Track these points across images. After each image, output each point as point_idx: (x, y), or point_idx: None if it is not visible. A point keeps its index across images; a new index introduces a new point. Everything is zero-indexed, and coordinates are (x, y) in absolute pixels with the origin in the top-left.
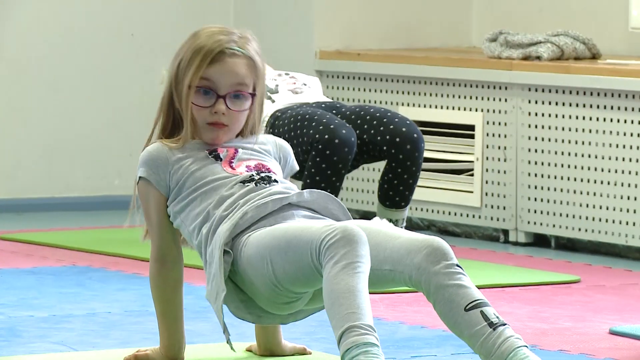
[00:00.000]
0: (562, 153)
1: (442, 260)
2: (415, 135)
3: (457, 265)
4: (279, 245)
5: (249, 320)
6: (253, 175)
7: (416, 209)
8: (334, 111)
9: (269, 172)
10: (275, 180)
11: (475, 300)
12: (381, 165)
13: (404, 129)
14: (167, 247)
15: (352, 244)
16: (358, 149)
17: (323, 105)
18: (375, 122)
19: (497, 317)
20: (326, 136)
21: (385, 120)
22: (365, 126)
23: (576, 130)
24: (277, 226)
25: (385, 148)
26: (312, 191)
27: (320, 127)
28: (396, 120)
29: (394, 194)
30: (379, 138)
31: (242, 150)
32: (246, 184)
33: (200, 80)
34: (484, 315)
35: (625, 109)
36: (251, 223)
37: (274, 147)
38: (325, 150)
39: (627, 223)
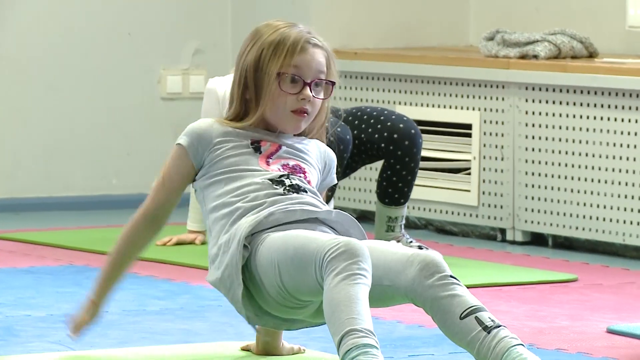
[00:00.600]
0: (560, 152)
1: (435, 273)
2: (412, 131)
3: (451, 276)
4: (287, 252)
5: (243, 316)
6: (283, 178)
7: (413, 208)
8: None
9: (304, 175)
10: (305, 190)
11: (470, 307)
12: (379, 164)
13: (401, 125)
14: (165, 210)
15: (354, 257)
16: (356, 149)
17: None
18: (372, 120)
19: (492, 321)
20: None
21: (382, 118)
22: (363, 126)
23: (573, 129)
24: (291, 232)
25: (383, 145)
26: (340, 212)
27: None
28: (393, 117)
29: (393, 191)
30: (376, 136)
31: (285, 147)
32: (274, 186)
33: (289, 68)
34: (478, 320)
35: (623, 107)
36: (274, 225)
37: (320, 153)
38: None
39: (624, 222)
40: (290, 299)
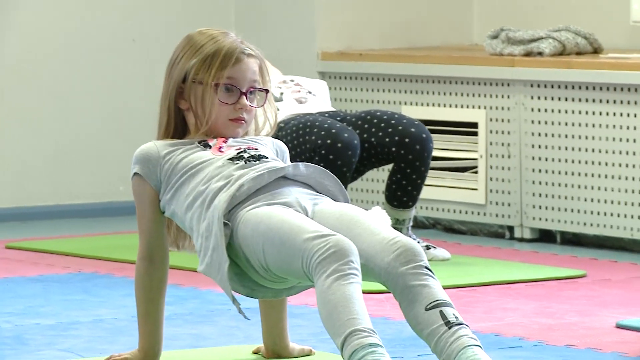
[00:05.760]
0: (566, 148)
1: (411, 262)
2: (424, 135)
3: (426, 267)
4: (273, 240)
5: (241, 292)
6: (242, 153)
7: (421, 207)
8: (338, 118)
9: (259, 152)
10: (265, 157)
11: (437, 301)
12: (387, 165)
13: (412, 129)
14: (156, 245)
15: (344, 257)
16: (366, 153)
17: (326, 114)
18: (382, 124)
19: (456, 318)
20: (328, 141)
21: (392, 122)
22: (373, 130)
23: (579, 125)
24: (274, 214)
25: (394, 149)
26: (309, 165)
27: (322, 133)
28: (404, 121)
29: (402, 194)
30: (387, 140)
31: (233, 139)
32: (235, 162)
33: (225, 79)
34: (442, 314)
35: (628, 102)
36: (248, 195)
37: (270, 141)
38: (328, 155)
39: (632, 217)
40: (277, 278)
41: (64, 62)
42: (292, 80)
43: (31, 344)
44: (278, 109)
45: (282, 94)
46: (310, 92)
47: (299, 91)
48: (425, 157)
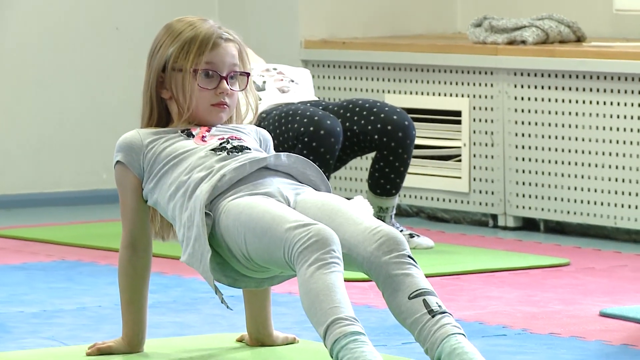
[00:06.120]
0: (549, 136)
1: (393, 251)
2: (406, 122)
3: (409, 257)
4: (255, 230)
5: (224, 282)
6: (224, 144)
7: (405, 195)
8: (320, 108)
9: (242, 141)
10: (248, 148)
11: (420, 289)
12: (370, 153)
13: (395, 117)
14: (139, 233)
15: (326, 246)
16: (348, 141)
17: (308, 103)
18: (365, 112)
19: (439, 306)
20: (311, 128)
21: (375, 110)
22: (355, 118)
23: (562, 114)
24: (255, 204)
25: (376, 137)
26: (290, 155)
27: (305, 120)
28: (386, 109)
29: (385, 181)
30: (369, 127)
31: (217, 128)
32: (218, 153)
33: (203, 64)
34: (425, 303)
35: (611, 91)
36: (229, 185)
37: (254, 130)
38: (311, 142)
39: (615, 205)
40: (258, 267)
41: (47, 51)
42: (275, 69)
43: (15, 332)
44: (260, 99)
45: (264, 82)
46: (293, 81)
47: (282, 80)
48: (408, 144)
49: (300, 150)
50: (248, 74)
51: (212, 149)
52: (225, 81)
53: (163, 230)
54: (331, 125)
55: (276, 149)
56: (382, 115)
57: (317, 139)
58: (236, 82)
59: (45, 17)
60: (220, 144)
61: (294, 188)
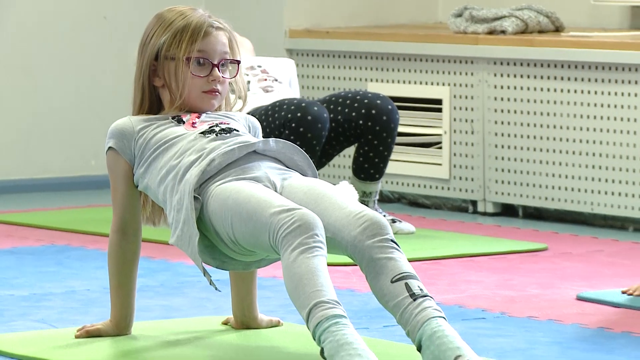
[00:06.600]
0: (528, 124)
1: (377, 235)
2: (390, 107)
3: (392, 241)
4: (241, 214)
5: (212, 265)
6: (213, 127)
7: (387, 182)
8: None
9: (231, 126)
10: (237, 130)
11: (402, 273)
12: (355, 143)
13: (378, 102)
14: (130, 218)
15: (309, 230)
16: (334, 132)
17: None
18: (348, 101)
19: (421, 290)
20: (298, 114)
21: (358, 97)
22: (339, 108)
23: (541, 102)
24: (242, 188)
25: (361, 122)
26: (278, 140)
27: (292, 107)
28: (369, 95)
29: (369, 166)
30: (354, 114)
31: (207, 115)
32: (207, 135)
33: (195, 52)
34: (407, 287)
35: (589, 80)
36: (218, 170)
37: (243, 117)
38: (298, 128)
39: (592, 191)
40: (246, 251)
41: (35, 38)
42: (259, 66)
43: (5, 315)
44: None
45: (249, 82)
46: (276, 80)
47: (266, 79)
48: (392, 128)
49: (287, 136)
50: (238, 62)
51: (202, 132)
52: (217, 69)
53: (154, 215)
54: (318, 111)
55: (264, 136)
56: (366, 100)
57: (304, 124)
58: (227, 70)
59: (34, 6)
60: (210, 127)
61: (281, 173)
